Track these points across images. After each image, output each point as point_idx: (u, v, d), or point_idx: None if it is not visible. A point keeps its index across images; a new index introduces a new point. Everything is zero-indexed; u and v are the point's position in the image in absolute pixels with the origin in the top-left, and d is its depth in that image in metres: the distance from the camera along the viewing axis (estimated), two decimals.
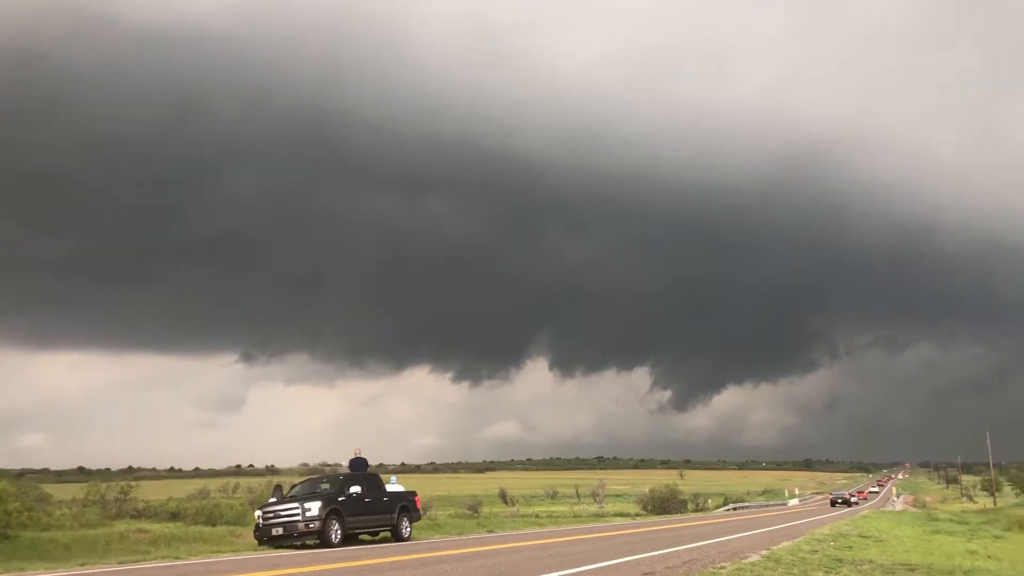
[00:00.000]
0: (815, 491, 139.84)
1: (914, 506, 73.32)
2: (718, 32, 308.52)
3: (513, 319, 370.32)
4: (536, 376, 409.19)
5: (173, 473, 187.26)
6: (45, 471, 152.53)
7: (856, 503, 76.36)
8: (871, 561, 13.48)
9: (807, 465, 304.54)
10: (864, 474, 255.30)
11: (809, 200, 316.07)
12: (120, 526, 24.57)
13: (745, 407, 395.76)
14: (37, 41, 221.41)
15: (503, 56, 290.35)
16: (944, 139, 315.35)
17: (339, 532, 19.43)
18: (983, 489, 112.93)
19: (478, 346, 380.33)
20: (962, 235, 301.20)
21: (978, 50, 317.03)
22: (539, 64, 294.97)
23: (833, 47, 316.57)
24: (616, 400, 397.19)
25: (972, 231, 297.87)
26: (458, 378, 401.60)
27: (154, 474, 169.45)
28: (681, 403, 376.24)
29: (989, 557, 16.82)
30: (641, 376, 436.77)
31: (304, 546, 19.28)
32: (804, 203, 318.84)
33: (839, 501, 74.17)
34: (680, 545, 17.04)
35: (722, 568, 11.63)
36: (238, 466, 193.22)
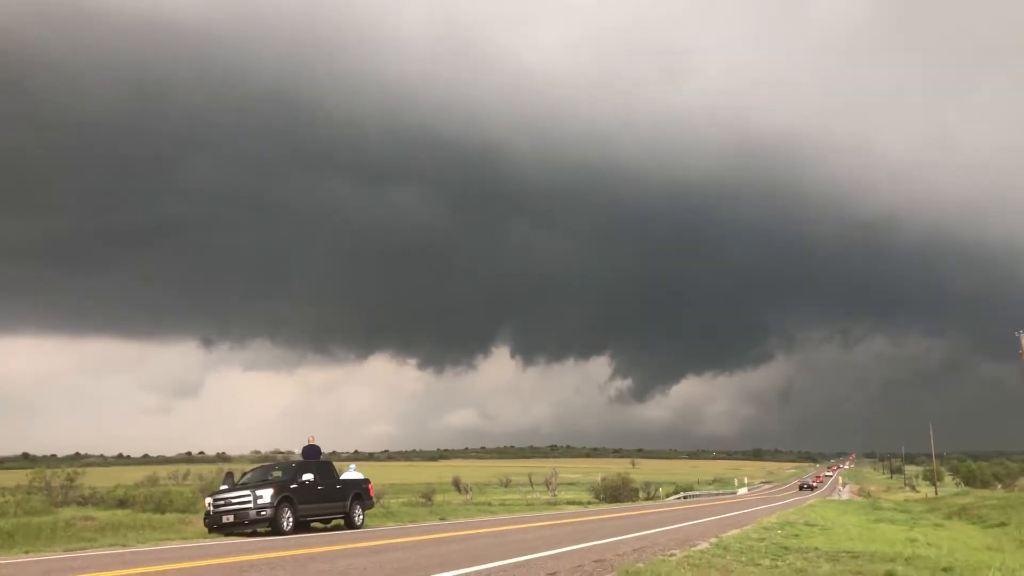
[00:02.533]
0: (764, 480, 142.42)
1: (859, 495, 74.94)
2: (681, 32, 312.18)
3: (478, 308, 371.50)
4: (500, 365, 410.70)
5: (121, 460, 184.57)
6: None
7: (816, 487, 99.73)
8: (816, 548, 13.76)
9: (756, 455, 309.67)
10: (811, 464, 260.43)
11: (766, 196, 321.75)
12: (66, 513, 24.10)
13: (702, 397, 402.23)
14: None
15: (469, 49, 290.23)
16: (896, 139, 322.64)
17: (291, 520, 19.31)
18: (925, 479, 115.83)
19: (444, 334, 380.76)
20: (915, 232, 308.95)
21: (928, 53, 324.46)
22: (506, 58, 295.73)
23: (790, 49, 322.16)
24: (577, 389, 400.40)
25: (924, 228, 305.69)
26: (423, 365, 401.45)
27: (101, 461, 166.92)
28: (640, 393, 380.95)
29: (929, 544, 17.27)
30: (601, 366, 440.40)
31: (255, 533, 19.13)
32: (761, 199, 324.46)
33: (805, 486, 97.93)
34: (631, 533, 17.24)
35: (672, 555, 11.79)
36: (188, 453, 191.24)
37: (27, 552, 14.94)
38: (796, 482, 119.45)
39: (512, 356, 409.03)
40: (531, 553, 12.22)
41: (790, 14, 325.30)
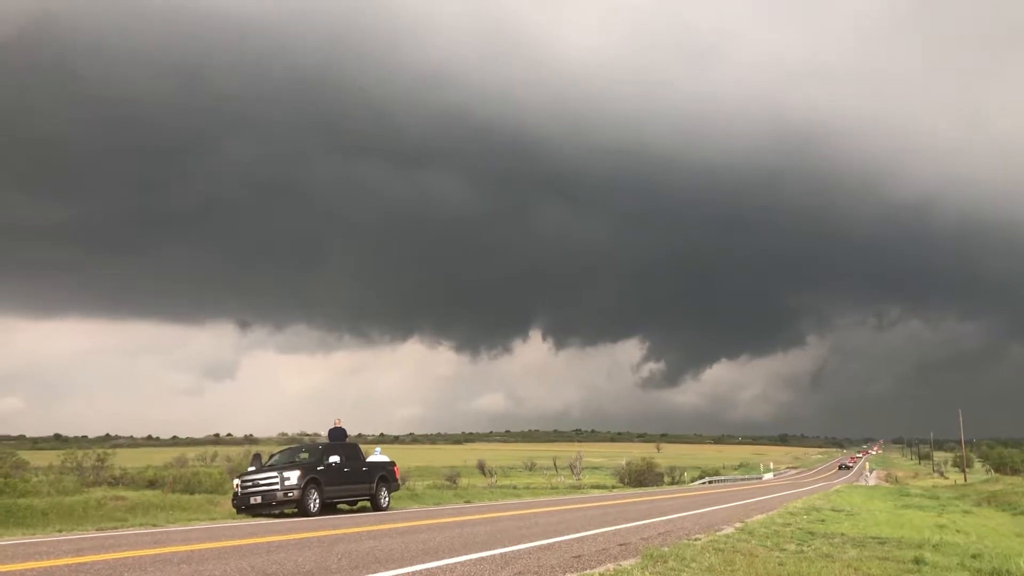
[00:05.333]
0: (790, 465, 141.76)
1: (886, 481, 74.40)
2: (715, 16, 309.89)
3: (515, 292, 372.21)
4: (532, 349, 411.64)
5: (151, 441, 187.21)
6: (21, 438, 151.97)
7: (851, 467, 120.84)
8: (843, 534, 13.69)
9: (782, 440, 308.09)
10: (838, 449, 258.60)
11: (801, 180, 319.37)
12: (97, 493, 24.51)
13: (733, 382, 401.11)
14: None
15: (506, 34, 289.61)
16: (931, 122, 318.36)
17: (317, 501, 19.47)
18: (954, 465, 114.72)
19: (480, 318, 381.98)
20: (950, 215, 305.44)
21: (965, 35, 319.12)
22: (541, 43, 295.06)
23: (823, 32, 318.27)
24: (608, 373, 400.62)
25: (960, 211, 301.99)
26: (458, 349, 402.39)
27: (131, 442, 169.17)
28: (672, 377, 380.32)
29: (958, 531, 17.13)
30: (633, 349, 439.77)
31: (282, 515, 19.32)
32: (796, 183, 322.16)
33: (843, 466, 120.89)
34: (656, 517, 17.22)
35: (697, 540, 11.77)
36: (216, 435, 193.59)
37: (60, 531, 15.20)
38: (834, 462, 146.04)
39: (544, 339, 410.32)
40: (556, 536, 12.25)
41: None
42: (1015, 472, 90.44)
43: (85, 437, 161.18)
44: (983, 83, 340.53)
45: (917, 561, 10.11)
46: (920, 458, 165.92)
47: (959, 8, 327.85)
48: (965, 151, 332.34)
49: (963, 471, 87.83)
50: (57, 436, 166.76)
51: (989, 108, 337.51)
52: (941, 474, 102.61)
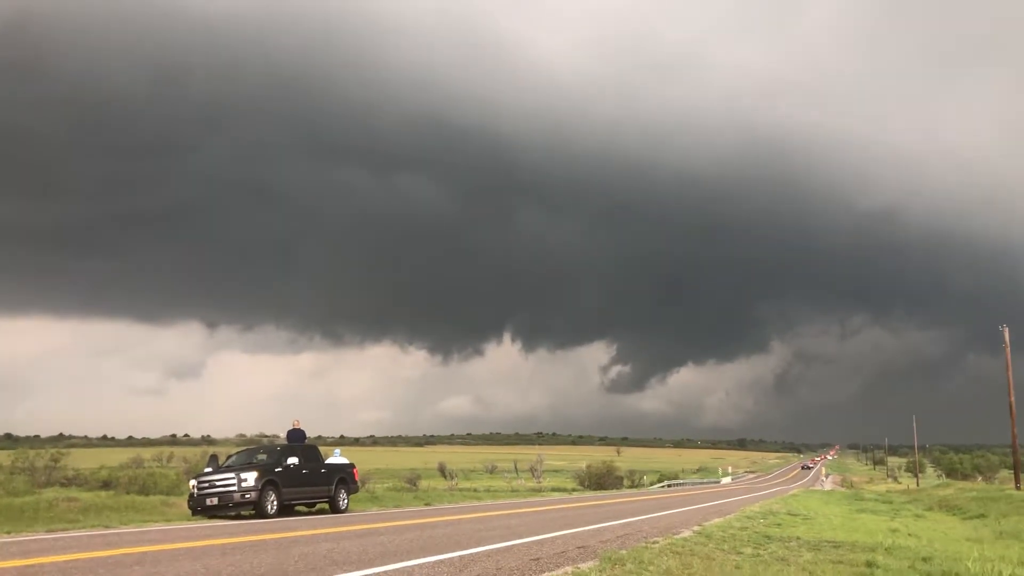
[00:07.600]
0: (747, 470, 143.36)
1: (842, 486, 75.47)
2: (687, 30, 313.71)
3: (487, 295, 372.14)
4: (504, 352, 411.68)
5: (106, 441, 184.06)
6: None
7: (812, 467, 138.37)
8: (798, 538, 13.87)
9: (740, 444, 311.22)
10: (795, 454, 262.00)
11: (769, 190, 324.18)
12: (49, 494, 24.03)
13: (697, 387, 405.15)
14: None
15: (483, 41, 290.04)
16: (899, 134, 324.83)
17: (275, 503, 19.29)
18: (908, 470, 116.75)
19: (451, 321, 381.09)
20: (917, 226, 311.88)
21: (923, 52, 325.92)
22: (520, 51, 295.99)
23: (792, 46, 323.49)
24: (575, 377, 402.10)
25: (926, 223, 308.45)
26: (430, 351, 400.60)
27: (86, 442, 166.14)
28: (639, 380, 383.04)
29: (910, 535, 17.41)
30: (600, 353, 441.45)
31: (239, 516, 19.11)
32: (765, 193, 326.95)
33: (805, 467, 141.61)
34: (615, 520, 17.31)
35: (655, 543, 11.84)
36: (173, 436, 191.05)
37: (8, 532, 14.85)
38: (791, 467, 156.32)
39: (514, 342, 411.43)
40: (515, 539, 12.25)
41: (789, 11, 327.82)
42: (965, 477, 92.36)
43: (37, 437, 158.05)
44: (945, 98, 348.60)
45: (870, 564, 10.26)
46: (875, 463, 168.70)
47: (924, 24, 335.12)
48: (928, 163, 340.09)
49: (916, 476, 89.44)
50: (8, 436, 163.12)
51: (949, 123, 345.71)
52: (895, 479, 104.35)
